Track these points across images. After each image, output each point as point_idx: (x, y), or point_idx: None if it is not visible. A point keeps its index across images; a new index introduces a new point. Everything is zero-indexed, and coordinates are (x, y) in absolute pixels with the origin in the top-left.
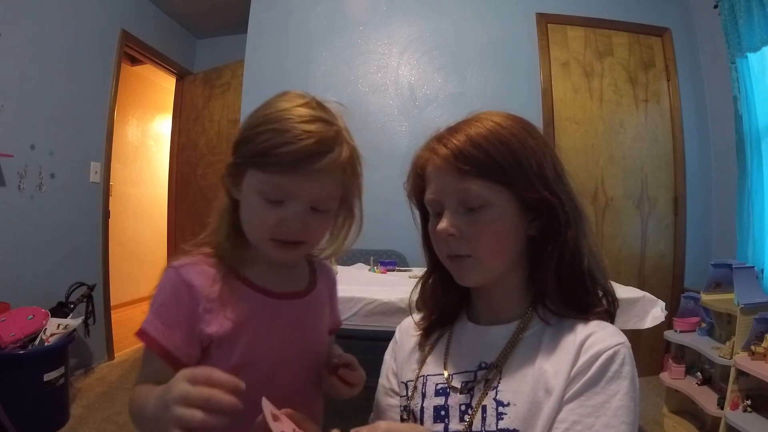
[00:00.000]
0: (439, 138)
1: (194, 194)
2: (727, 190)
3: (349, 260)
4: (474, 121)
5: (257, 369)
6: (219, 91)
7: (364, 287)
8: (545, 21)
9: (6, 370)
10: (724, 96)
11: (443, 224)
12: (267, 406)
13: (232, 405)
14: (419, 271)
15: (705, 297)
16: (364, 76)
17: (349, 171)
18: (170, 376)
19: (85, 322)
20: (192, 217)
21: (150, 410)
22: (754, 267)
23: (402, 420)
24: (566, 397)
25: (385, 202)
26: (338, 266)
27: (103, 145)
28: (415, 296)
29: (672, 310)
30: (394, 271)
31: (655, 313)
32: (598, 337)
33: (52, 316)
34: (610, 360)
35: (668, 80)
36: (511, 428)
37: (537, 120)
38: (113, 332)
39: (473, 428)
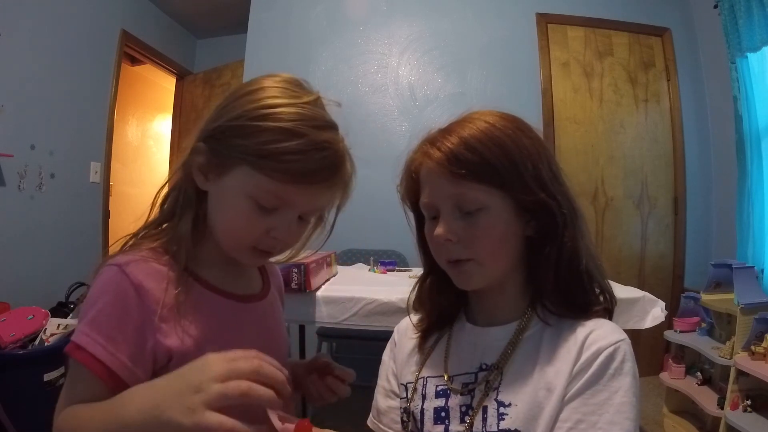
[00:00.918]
0: (432, 140)
1: None
2: (727, 190)
3: (349, 260)
4: (467, 122)
5: None
6: (219, 91)
7: (364, 287)
8: (545, 21)
9: (6, 370)
10: (724, 96)
11: (440, 230)
12: (273, 415)
13: (282, 378)
14: (419, 271)
15: (705, 297)
16: (364, 76)
17: (349, 185)
18: (106, 399)
19: None
20: None
21: (137, 410)
22: (754, 267)
23: (402, 422)
24: (568, 395)
25: (384, 202)
26: (338, 266)
27: (103, 145)
28: (413, 299)
29: (672, 310)
30: (394, 271)
31: (655, 313)
32: (598, 335)
33: (52, 316)
34: (611, 357)
35: (668, 80)
36: (512, 429)
37: (537, 120)
38: None
39: (474, 429)
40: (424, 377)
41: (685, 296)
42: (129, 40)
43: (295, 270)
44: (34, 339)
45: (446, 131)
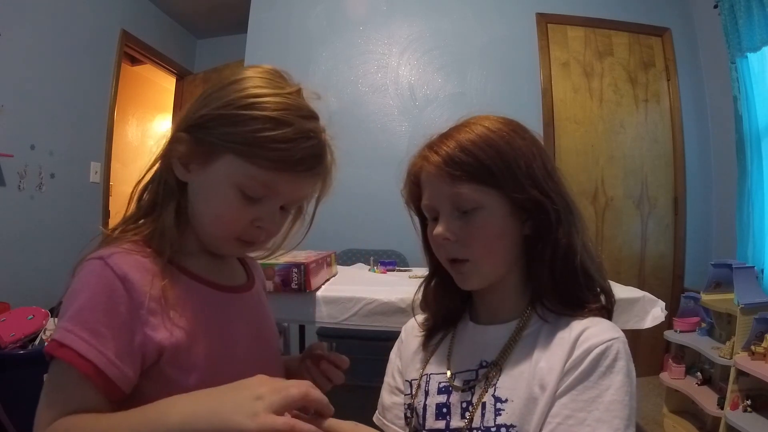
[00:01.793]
0: (431, 145)
1: None
2: (727, 190)
3: (349, 260)
4: (464, 127)
5: (225, 376)
6: None
7: (364, 287)
8: (545, 21)
9: (6, 370)
10: (724, 96)
11: (439, 229)
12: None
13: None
14: (419, 271)
15: (705, 297)
16: (364, 76)
17: (329, 176)
18: (97, 404)
19: None
20: None
21: (181, 420)
22: (754, 267)
23: (405, 417)
24: (559, 391)
25: (384, 203)
26: (338, 266)
27: (103, 145)
28: (418, 299)
29: (672, 310)
30: (394, 271)
31: (655, 313)
32: (591, 332)
33: (52, 316)
34: (603, 354)
35: (668, 80)
36: (508, 423)
37: (537, 120)
38: None
39: (473, 425)
40: (427, 374)
41: (685, 296)
42: (129, 40)
43: (295, 270)
44: (34, 339)
45: (444, 136)
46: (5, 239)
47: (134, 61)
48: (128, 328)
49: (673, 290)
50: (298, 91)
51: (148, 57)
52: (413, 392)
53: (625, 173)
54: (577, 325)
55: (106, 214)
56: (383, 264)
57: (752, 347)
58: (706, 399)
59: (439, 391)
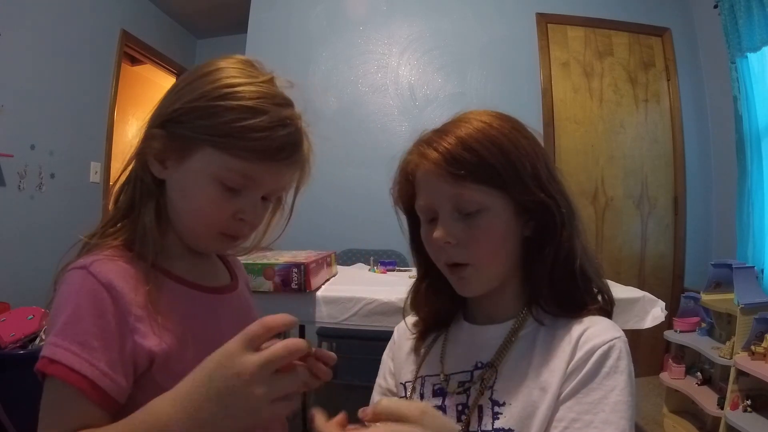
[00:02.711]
0: (428, 141)
1: None
2: (727, 190)
3: (349, 260)
4: (462, 122)
5: None
6: None
7: (364, 287)
8: (545, 21)
9: (6, 370)
10: (724, 96)
11: (439, 232)
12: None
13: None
14: None
15: (705, 297)
16: (364, 76)
17: (307, 164)
18: (95, 418)
19: None
20: None
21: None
22: (754, 267)
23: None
24: (563, 394)
25: (385, 203)
26: (338, 266)
27: (103, 145)
28: (409, 302)
29: (672, 310)
30: (394, 271)
31: (655, 313)
32: (592, 333)
33: None
34: (606, 355)
35: (668, 80)
36: (506, 428)
37: (537, 120)
38: None
39: (470, 428)
40: (422, 376)
41: (685, 296)
42: (129, 40)
43: (295, 270)
44: (34, 339)
45: (441, 131)
46: (5, 239)
47: (134, 61)
48: (118, 337)
49: (673, 290)
50: (271, 80)
51: (148, 57)
52: (408, 395)
53: (625, 173)
54: (576, 326)
55: (106, 214)
56: (383, 264)
57: (752, 347)
58: (706, 399)
59: (435, 394)
